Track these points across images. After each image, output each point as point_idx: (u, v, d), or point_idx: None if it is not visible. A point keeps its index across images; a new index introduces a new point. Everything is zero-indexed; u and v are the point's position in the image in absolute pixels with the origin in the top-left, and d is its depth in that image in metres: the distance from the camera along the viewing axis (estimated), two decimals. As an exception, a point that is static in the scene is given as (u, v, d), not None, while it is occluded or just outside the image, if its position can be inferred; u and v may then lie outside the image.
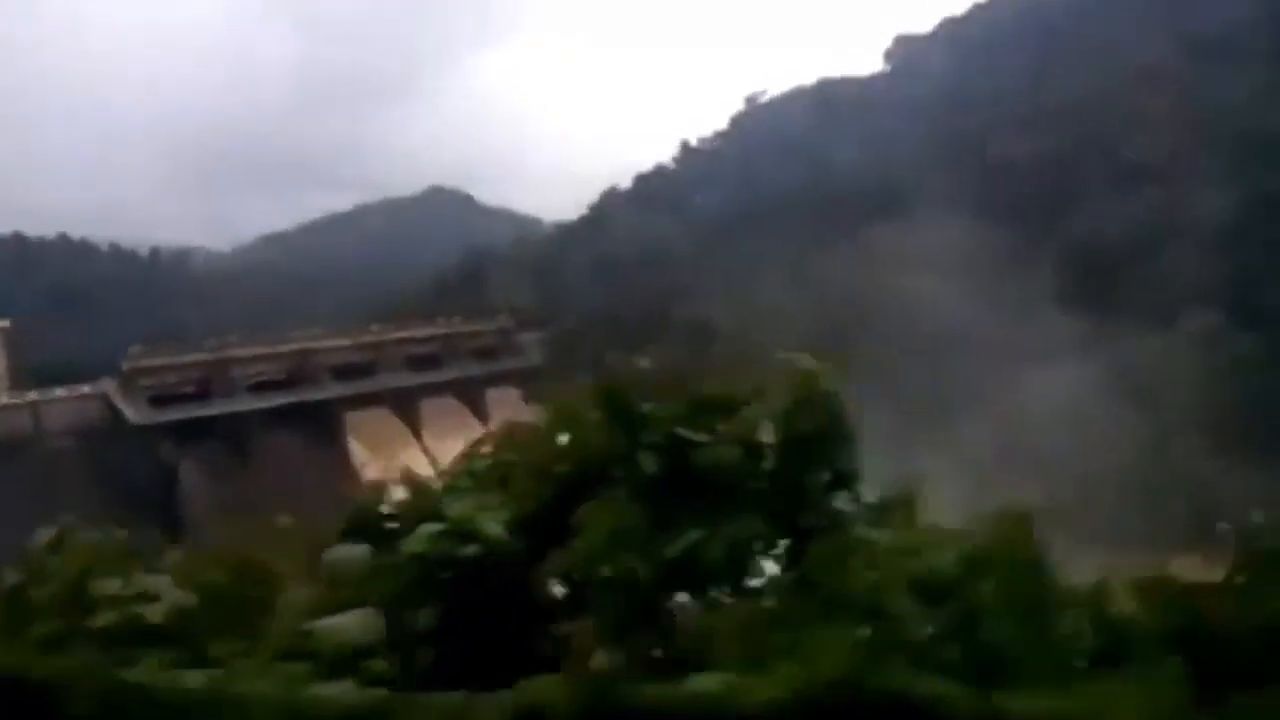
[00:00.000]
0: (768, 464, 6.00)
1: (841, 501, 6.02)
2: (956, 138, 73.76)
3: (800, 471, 5.99)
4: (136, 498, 45.79)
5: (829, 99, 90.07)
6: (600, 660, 4.97)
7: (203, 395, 52.62)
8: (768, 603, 5.14)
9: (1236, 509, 49.27)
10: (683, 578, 5.43)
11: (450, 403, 64.08)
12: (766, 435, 6.05)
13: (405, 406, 61.34)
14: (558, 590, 5.71)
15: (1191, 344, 55.19)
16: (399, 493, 6.86)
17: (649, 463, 5.81)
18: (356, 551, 6.11)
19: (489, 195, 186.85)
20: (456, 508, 5.80)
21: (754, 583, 5.57)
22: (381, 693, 4.77)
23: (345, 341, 61.66)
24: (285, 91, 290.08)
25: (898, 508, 6.11)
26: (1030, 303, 59.14)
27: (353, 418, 58.39)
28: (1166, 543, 49.67)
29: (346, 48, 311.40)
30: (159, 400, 51.18)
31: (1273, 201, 57.52)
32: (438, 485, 6.74)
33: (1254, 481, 50.01)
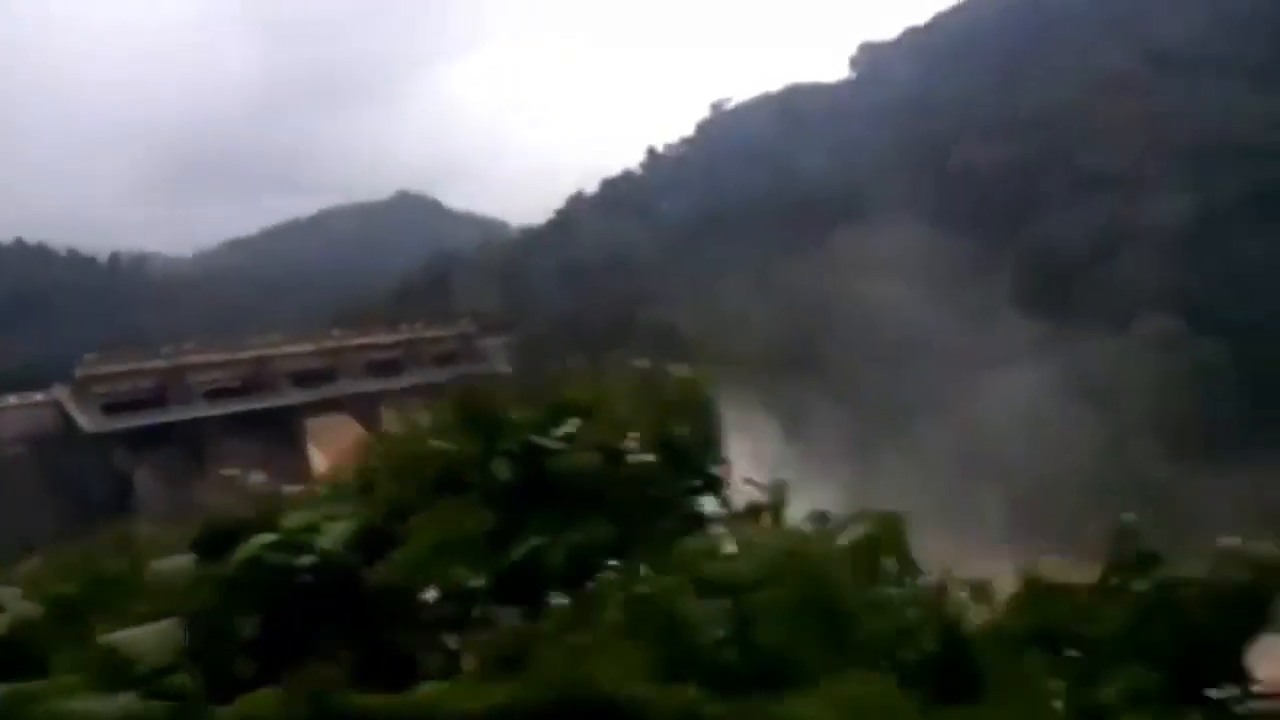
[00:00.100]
0: (634, 470, 5.87)
1: (706, 506, 5.94)
2: (921, 145, 74.31)
3: (663, 477, 5.88)
4: (90, 506, 45.07)
5: (795, 105, 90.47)
6: (321, 671, 4.80)
7: (158, 402, 51.83)
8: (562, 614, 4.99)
9: (1192, 513, 50.06)
10: (525, 585, 5.30)
11: (413, 409, 63.54)
12: (632, 442, 5.92)
13: (367, 413, 60.67)
14: (430, 599, 5.55)
15: (1148, 349, 55.83)
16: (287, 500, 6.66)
17: (502, 469, 5.72)
18: (179, 562, 5.97)
19: (457, 200, 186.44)
20: (294, 518, 5.64)
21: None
22: (137, 705, 4.65)
23: (305, 347, 60.93)
24: (250, 95, 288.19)
25: (764, 510, 6.05)
26: (991, 308, 59.69)
27: (313, 424, 57.71)
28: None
29: (313, 51, 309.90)
30: (113, 408, 50.34)
31: (1230, 208, 58.32)
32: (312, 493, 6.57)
33: (1210, 486, 50.66)
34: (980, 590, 5.09)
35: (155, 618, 5.55)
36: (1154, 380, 55.07)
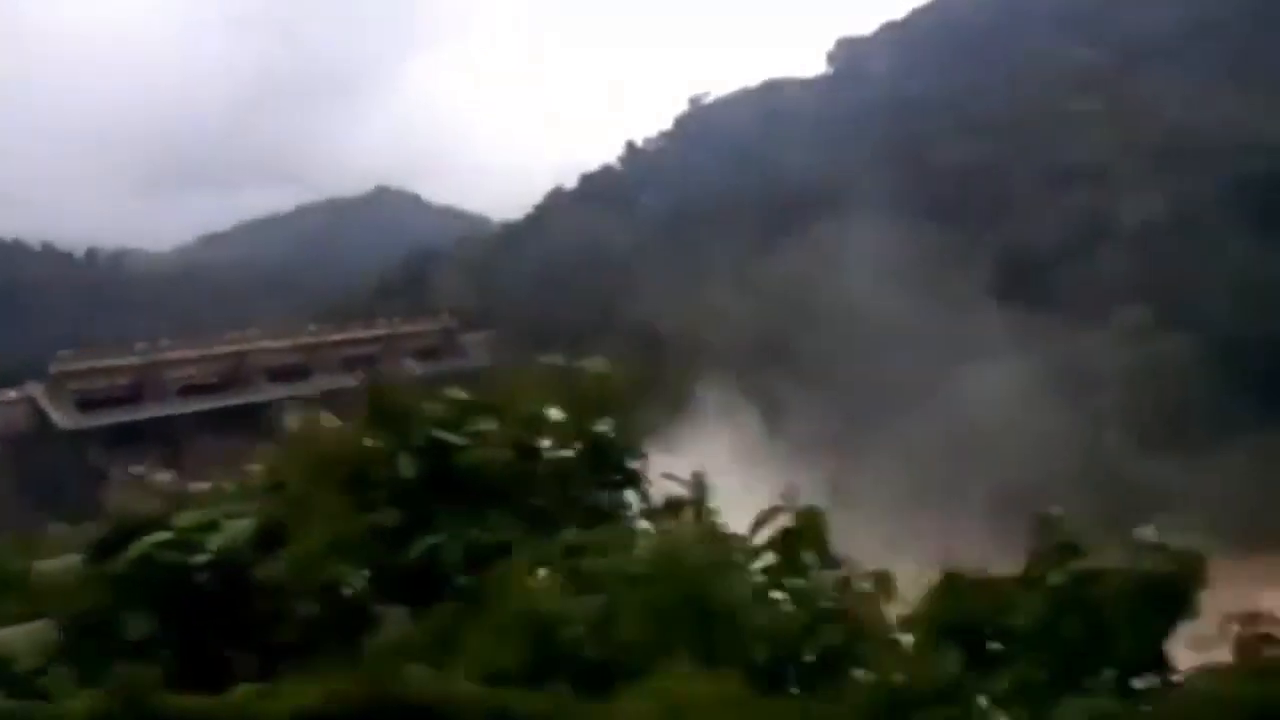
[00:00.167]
0: (546, 466, 5.99)
1: (622, 501, 6.04)
2: (898, 140, 74.65)
3: (578, 473, 6.00)
4: (65, 504, 44.83)
5: (773, 100, 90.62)
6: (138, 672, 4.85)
7: (134, 399, 51.61)
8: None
9: (1164, 505, 50.60)
10: (421, 583, 5.39)
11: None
12: (546, 438, 6.04)
13: (344, 408, 60.62)
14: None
15: (1123, 342, 56.34)
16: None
17: (407, 466, 5.79)
18: (67, 562, 5.98)
19: (437, 195, 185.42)
20: (187, 517, 5.71)
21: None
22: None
23: (282, 343, 60.77)
24: (228, 90, 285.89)
25: (684, 506, 6.15)
26: (967, 302, 60.07)
27: (290, 421, 57.61)
28: (1095, 538, 50.72)
29: (292, 46, 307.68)
30: (88, 404, 50.13)
31: (1203, 202, 58.88)
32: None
33: (1183, 477, 51.21)
34: (883, 582, 5.20)
35: (36, 618, 5.59)
36: (1128, 373, 55.61)
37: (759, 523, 5.62)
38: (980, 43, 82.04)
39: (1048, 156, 66.61)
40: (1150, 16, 73.24)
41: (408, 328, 68.04)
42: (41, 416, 49.44)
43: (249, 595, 5.30)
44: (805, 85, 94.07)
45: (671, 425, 61.29)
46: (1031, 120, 68.90)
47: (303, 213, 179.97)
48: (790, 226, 69.20)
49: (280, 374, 58.83)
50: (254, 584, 5.26)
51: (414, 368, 65.38)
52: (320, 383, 60.35)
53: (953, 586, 5.13)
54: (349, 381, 61.12)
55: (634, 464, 6.23)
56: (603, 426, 6.19)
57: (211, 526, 5.61)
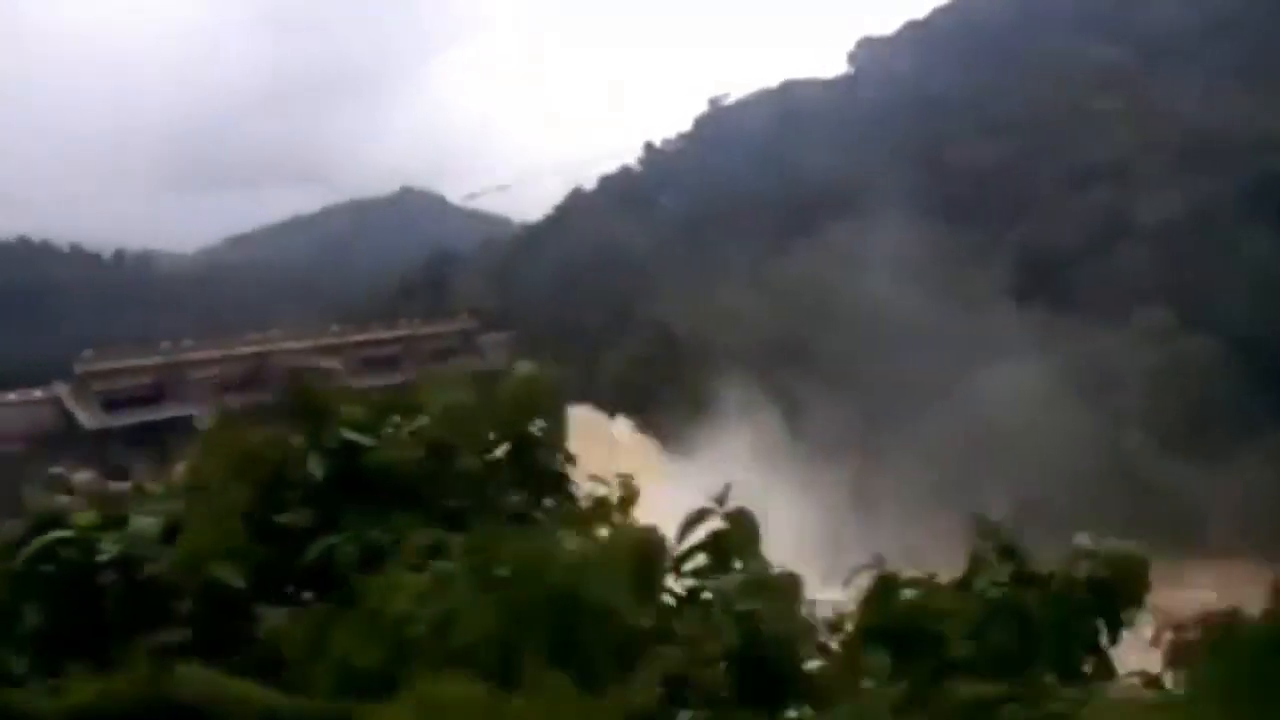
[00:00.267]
0: (462, 467, 6.03)
1: (536, 503, 6.05)
2: (918, 140, 74.41)
3: (496, 475, 6.04)
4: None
5: (793, 101, 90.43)
6: None
7: (158, 399, 52.17)
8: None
9: (1183, 505, 50.33)
10: (316, 584, 5.45)
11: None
12: (464, 439, 6.08)
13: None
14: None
15: (1143, 342, 56.01)
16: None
17: (316, 465, 5.85)
18: None
19: (461, 196, 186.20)
20: (87, 516, 5.80)
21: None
22: None
23: (304, 344, 61.24)
24: (254, 91, 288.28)
25: (611, 508, 6.15)
26: (987, 302, 59.89)
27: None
28: (1105, 540, 50.47)
29: (317, 47, 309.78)
30: (112, 404, 50.73)
31: (1224, 202, 58.43)
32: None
33: (1203, 478, 50.91)
34: (792, 586, 5.21)
35: None
36: (1149, 373, 55.30)
37: (688, 525, 5.67)
38: (1001, 42, 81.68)
39: (1068, 156, 66.28)
40: (1170, 16, 72.80)
41: (427, 329, 68.42)
42: (67, 416, 50.06)
43: (145, 594, 5.41)
44: (825, 85, 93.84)
45: (690, 426, 61.65)
46: (1052, 120, 68.56)
47: (327, 214, 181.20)
48: (810, 227, 69.15)
49: (301, 375, 59.29)
50: (149, 583, 5.37)
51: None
52: (341, 383, 61.00)
53: (885, 589, 5.18)
54: (371, 381, 61.98)
55: (561, 467, 6.25)
56: (531, 428, 6.22)
57: (116, 524, 5.71)
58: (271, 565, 5.55)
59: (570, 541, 4.98)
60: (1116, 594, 5.33)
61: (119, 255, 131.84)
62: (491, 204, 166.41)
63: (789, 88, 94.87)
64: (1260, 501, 49.27)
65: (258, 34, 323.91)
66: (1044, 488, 49.84)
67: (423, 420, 5.98)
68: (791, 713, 4.38)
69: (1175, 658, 4.64)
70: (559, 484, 6.14)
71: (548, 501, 6.07)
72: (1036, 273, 61.95)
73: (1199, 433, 52.38)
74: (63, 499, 6.16)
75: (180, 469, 6.64)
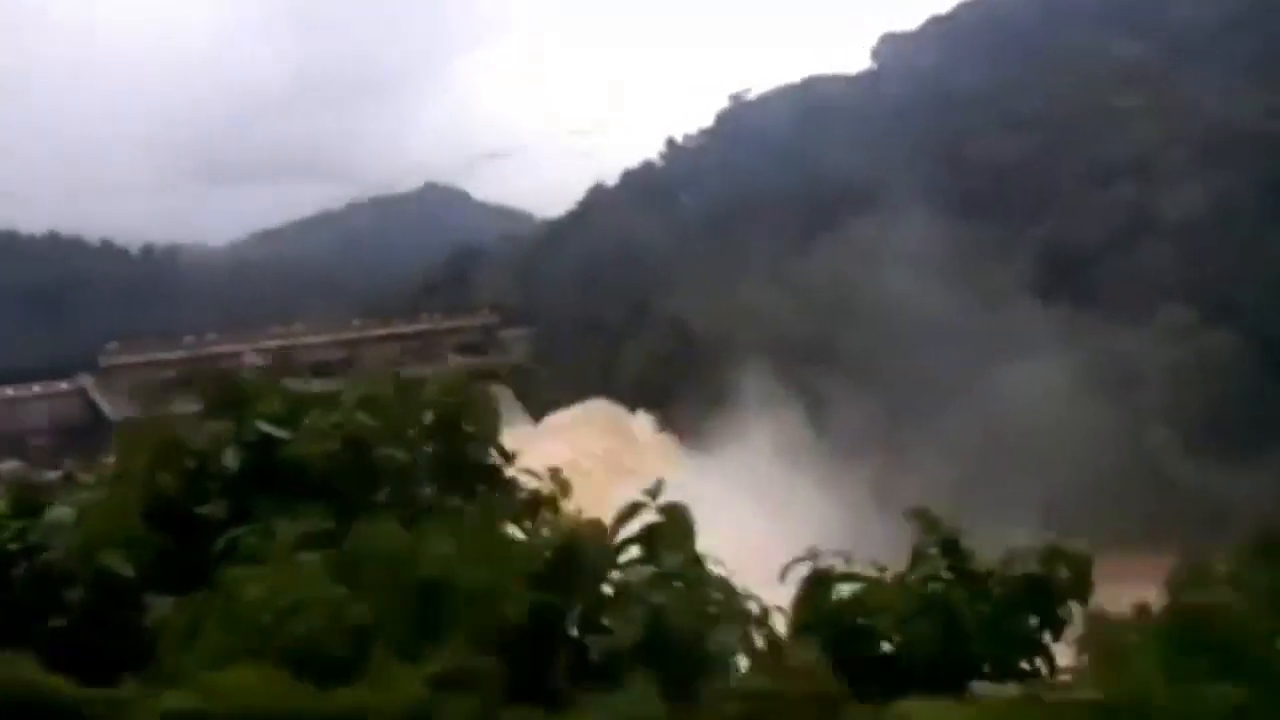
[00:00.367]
0: (380, 462, 6.09)
1: (469, 496, 6.10)
2: (941, 136, 73.97)
3: (416, 470, 6.09)
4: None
5: (815, 97, 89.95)
6: None
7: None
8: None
9: (1207, 504, 49.86)
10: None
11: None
12: (386, 434, 6.13)
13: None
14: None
15: (1166, 340, 55.54)
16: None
17: (232, 457, 5.94)
18: None
19: (485, 192, 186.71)
20: None
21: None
22: None
23: (326, 338, 61.81)
24: (281, 88, 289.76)
25: (543, 503, 6.20)
26: (1009, 299, 59.53)
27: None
28: (1133, 538, 50.14)
29: (344, 43, 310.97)
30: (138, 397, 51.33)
31: (1248, 199, 57.85)
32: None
33: (1225, 476, 50.44)
34: (704, 582, 5.20)
35: None
36: (1172, 370, 54.85)
37: (620, 519, 5.72)
38: (1025, 38, 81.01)
39: (1092, 152, 65.74)
40: (1194, 11, 71.98)
41: (449, 323, 68.93)
42: (93, 408, 50.76)
43: (44, 582, 5.49)
44: (848, 81, 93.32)
45: (711, 422, 61.66)
46: (1075, 115, 67.98)
47: (352, 209, 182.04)
48: (832, 223, 68.89)
49: (324, 368, 59.82)
50: (47, 570, 5.44)
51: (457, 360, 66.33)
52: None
53: (819, 584, 5.21)
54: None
55: (492, 462, 6.28)
56: (462, 424, 6.27)
57: (29, 513, 5.81)
58: (182, 555, 5.63)
59: (488, 535, 5.02)
60: (1054, 591, 5.33)
61: (147, 250, 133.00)
62: (515, 200, 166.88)
63: (811, 84, 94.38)
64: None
65: (285, 32, 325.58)
66: (1067, 485, 49.59)
67: (339, 414, 6.06)
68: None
69: (1089, 654, 4.62)
70: (491, 477, 6.18)
71: (479, 496, 6.11)
72: (1059, 269, 61.50)
73: (1223, 430, 51.89)
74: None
75: (110, 460, 6.75)
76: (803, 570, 5.37)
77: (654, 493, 5.79)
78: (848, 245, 65.87)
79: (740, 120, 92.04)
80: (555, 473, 6.35)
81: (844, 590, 5.22)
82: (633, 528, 5.76)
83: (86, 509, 5.69)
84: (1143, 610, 4.46)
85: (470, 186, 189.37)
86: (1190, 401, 53.31)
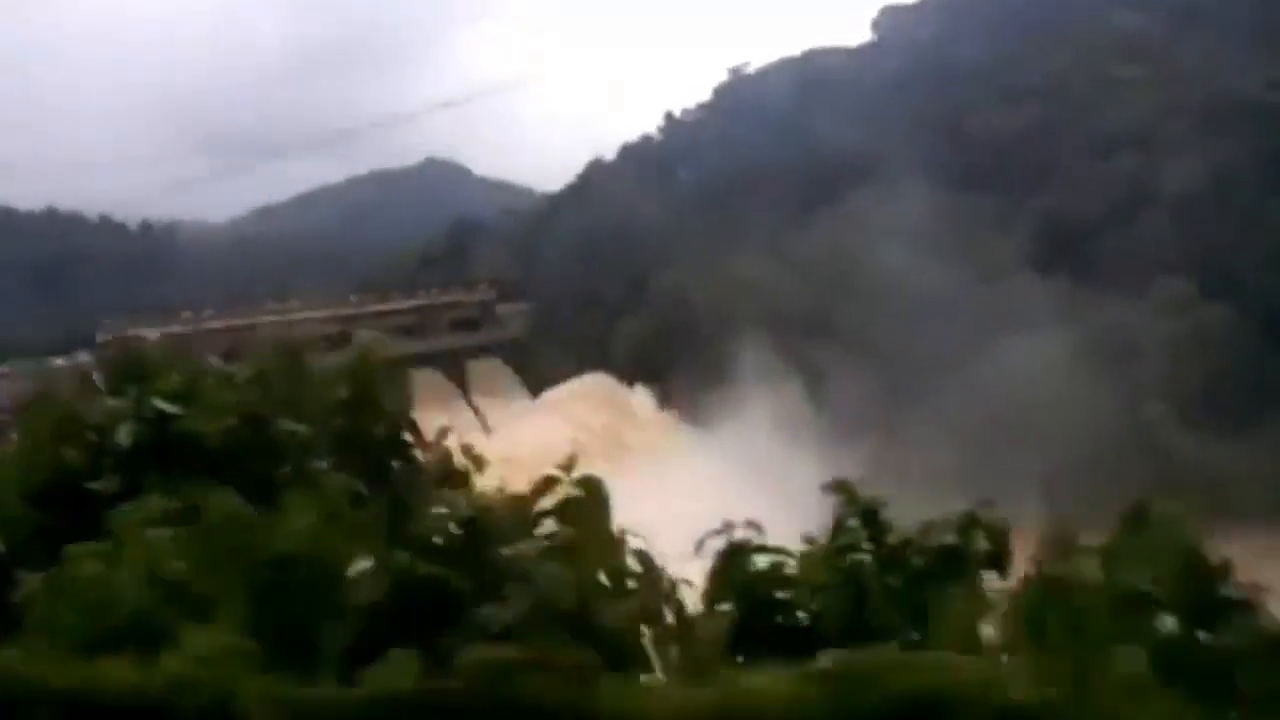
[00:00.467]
0: (278, 437, 6.00)
1: (379, 470, 6.03)
2: (942, 109, 73.44)
3: (315, 445, 6.00)
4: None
5: (814, 70, 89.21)
6: None
7: (178, 368, 52.71)
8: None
9: (1205, 477, 49.82)
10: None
11: (432, 375, 64.31)
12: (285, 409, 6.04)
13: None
14: None
15: (1166, 312, 55.38)
16: None
17: (126, 434, 5.88)
18: None
19: (485, 167, 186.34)
20: None
21: None
22: None
23: (323, 313, 61.71)
24: (281, 62, 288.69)
25: (456, 478, 6.12)
26: (1008, 272, 59.31)
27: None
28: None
29: (344, 17, 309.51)
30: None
31: (1248, 171, 57.48)
32: None
33: (1223, 449, 50.41)
34: (604, 553, 5.16)
35: None
36: (1171, 344, 54.70)
37: (537, 491, 5.67)
38: (1025, 9, 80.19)
39: (1093, 124, 65.30)
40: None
41: (446, 298, 68.80)
42: (90, 384, 50.66)
43: None
44: (849, 54, 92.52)
45: (710, 396, 61.62)
46: (1076, 88, 67.50)
47: (353, 185, 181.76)
48: (832, 197, 68.51)
49: (322, 344, 59.74)
50: None
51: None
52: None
53: (734, 557, 5.17)
54: (390, 352, 62.47)
55: (398, 439, 6.20)
56: (371, 401, 6.17)
57: None
58: (70, 530, 5.57)
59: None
60: (970, 561, 5.29)
61: (146, 226, 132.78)
62: (515, 174, 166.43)
63: (811, 57, 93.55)
64: (1280, 474, 48.80)
65: (286, 6, 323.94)
66: (1065, 458, 49.60)
67: (226, 391, 5.99)
68: None
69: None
70: (400, 451, 6.11)
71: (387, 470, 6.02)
72: (1059, 242, 61.23)
73: (1222, 403, 51.83)
74: None
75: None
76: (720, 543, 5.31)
77: (569, 466, 5.74)
78: (847, 219, 65.56)
79: (739, 94, 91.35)
80: (468, 449, 6.27)
81: (760, 562, 5.17)
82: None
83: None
84: (1027, 581, 4.49)
85: (470, 161, 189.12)
86: (1189, 374, 53.20)
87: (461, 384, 65.15)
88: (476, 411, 64.30)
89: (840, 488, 5.45)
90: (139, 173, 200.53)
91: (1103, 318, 55.51)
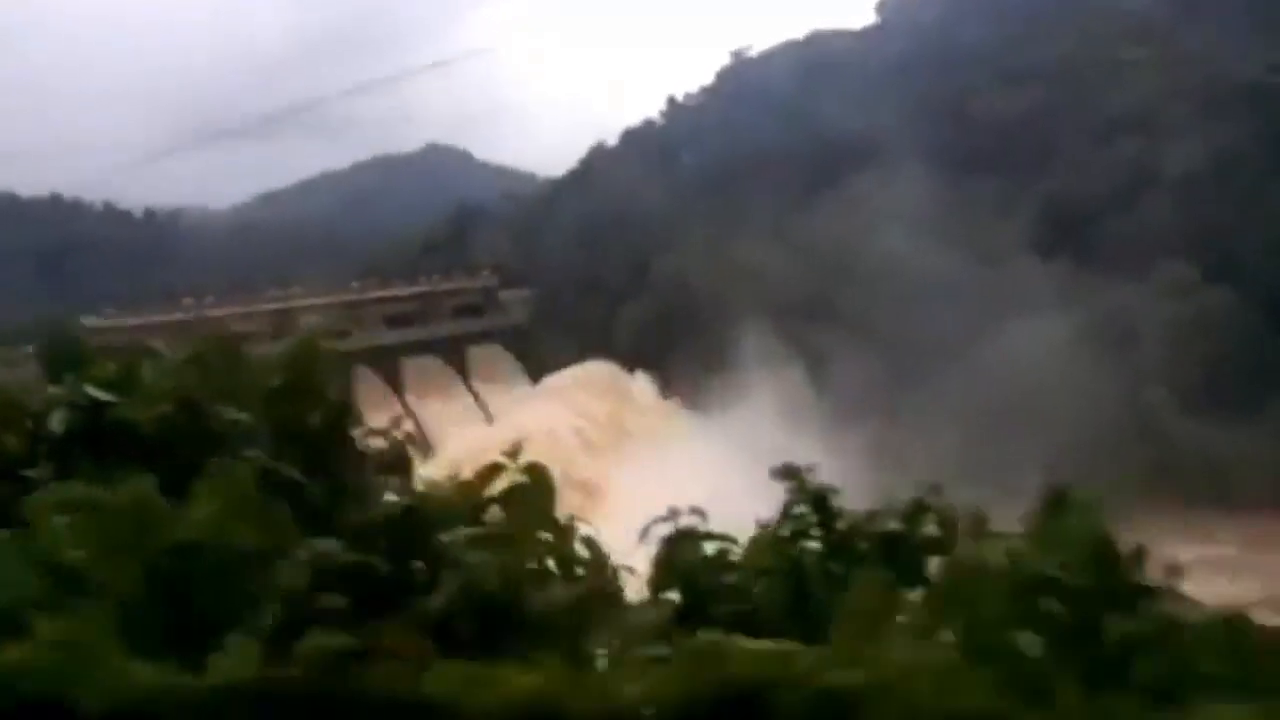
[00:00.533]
0: (215, 425, 5.99)
1: (319, 458, 6.01)
2: (947, 92, 73.12)
3: (250, 433, 5.99)
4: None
5: (818, 53, 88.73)
6: None
7: (179, 355, 52.74)
8: None
9: (1206, 461, 49.78)
10: None
11: (433, 361, 64.39)
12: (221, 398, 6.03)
13: (386, 365, 61.54)
14: None
15: (1168, 296, 55.25)
16: None
17: (58, 421, 5.87)
18: None
19: (488, 152, 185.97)
20: None
21: None
22: None
23: (324, 300, 61.70)
24: (283, 48, 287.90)
25: (394, 462, 6.11)
26: (1011, 256, 59.16)
27: None
28: (1130, 496, 50.18)
29: (346, 3, 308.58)
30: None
31: (1251, 154, 57.22)
32: None
33: (1227, 433, 50.34)
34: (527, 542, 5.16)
35: None
36: (1173, 327, 54.59)
37: (482, 479, 5.66)
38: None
39: (1097, 107, 65.02)
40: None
41: (448, 285, 68.75)
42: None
43: None
44: (853, 37, 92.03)
45: (711, 382, 61.58)
46: (1081, 70, 67.16)
47: (356, 171, 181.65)
48: (835, 181, 68.28)
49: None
50: None
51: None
52: (362, 339, 61.48)
53: (677, 542, 5.17)
54: (390, 338, 62.44)
55: (342, 426, 6.18)
56: (310, 389, 6.15)
57: None
58: (4, 518, 5.57)
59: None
60: (916, 547, 5.30)
61: (150, 213, 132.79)
62: (518, 159, 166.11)
63: (814, 40, 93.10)
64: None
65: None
66: (1067, 442, 49.53)
67: (163, 378, 5.98)
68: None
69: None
70: (339, 439, 6.09)
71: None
72: (1062, 225, 61.05)
73: (1223, 386, 51.73)
74: None
75: None
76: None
77: (514, 453, 5.74)
78: (850, 203, 65.37)
79: (742, 77, 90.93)
80: (410, 438, 6.27)
81: (708, 549, 5.18)
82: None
83: None
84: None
85: (473, 146, 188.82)
86: (1190, 358, 53.10)
87: (463, 370, 65.12)
88: (477, 398, 64.33)
89: (789, 473, 5.45)
90: (142, 159, 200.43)
91: (1104, 301, 55.39)
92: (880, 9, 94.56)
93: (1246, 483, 49.42)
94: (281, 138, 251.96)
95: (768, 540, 5.34)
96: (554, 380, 64.19)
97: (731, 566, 5.08)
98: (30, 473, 5.80)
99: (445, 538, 5.18)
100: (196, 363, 6.17)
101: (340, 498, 5.51)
